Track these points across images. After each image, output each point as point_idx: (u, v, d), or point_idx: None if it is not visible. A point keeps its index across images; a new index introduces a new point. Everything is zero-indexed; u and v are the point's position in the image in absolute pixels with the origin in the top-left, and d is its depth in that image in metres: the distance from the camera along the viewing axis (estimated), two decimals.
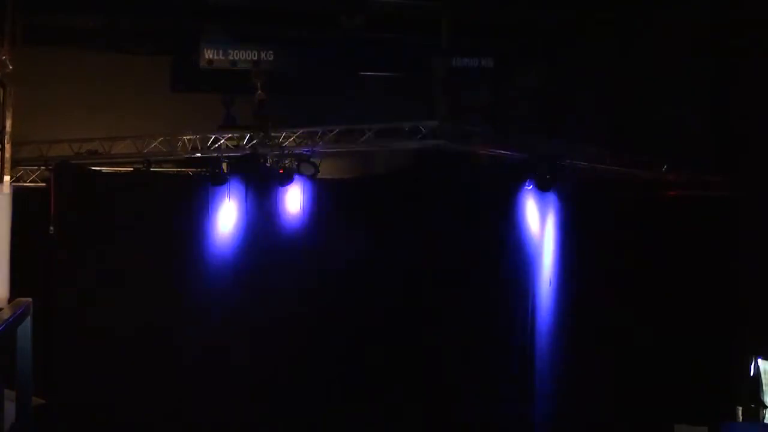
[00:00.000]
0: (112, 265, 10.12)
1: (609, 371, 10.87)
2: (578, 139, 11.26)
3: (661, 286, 10.91)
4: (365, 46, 11.28)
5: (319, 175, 10.80)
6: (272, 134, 10.78)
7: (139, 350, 10.02)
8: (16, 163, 10.01)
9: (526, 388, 11.07)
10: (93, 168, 10.48)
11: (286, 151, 10.71)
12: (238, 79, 10.96)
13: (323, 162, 10.87)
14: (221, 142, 10.87)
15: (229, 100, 11.38)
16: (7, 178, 9.40)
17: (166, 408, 10.06)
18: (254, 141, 10.74)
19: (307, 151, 10.77)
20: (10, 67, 9.07)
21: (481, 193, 11.17)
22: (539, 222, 11.19)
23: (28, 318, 4.07)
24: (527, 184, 11.05)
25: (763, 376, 10.58)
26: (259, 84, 10.82)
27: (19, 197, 9.75)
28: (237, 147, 10.85)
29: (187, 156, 10.84)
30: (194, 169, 10.85)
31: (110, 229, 10.18)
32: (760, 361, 10.61)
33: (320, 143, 10.86)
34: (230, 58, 10.72)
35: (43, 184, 10.18)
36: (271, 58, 10.78)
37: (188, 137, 10.76)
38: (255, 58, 10.75)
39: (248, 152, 10.72)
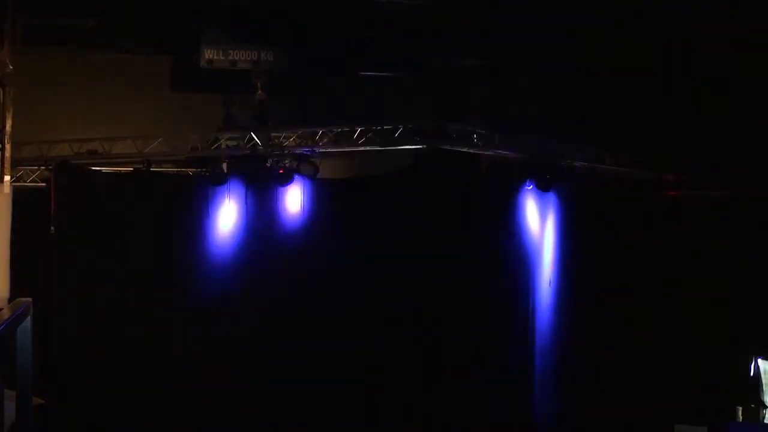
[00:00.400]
0: (112, 265, 10.12)
1: (609, 371, 10.87)
2: (578, 139, 11.26)
3: (661, 286, 10.91)
4: (365, 46, 11.27)
5: (319, 175, 10.80)
6: (272, 134, 10.79)
7: (138, 350, 10.02)
8: (16, 163, 10.00)
9: (526, 388, 11.07)
10: (93, 168, 10.47)
11: (286, 151, 10.71)
12: (238, 79, 10.95)
13: (323, 162, 10.87)
14: (221, 142, 10.87)
15: (229, 100, 11.37)
16: (7, 178, 9.39)
17: (166, 408, 10.06)
18: (254, 141, 10.74)
19: (307, 151, 10.77)
20: (11, 67, 9.06)
21: (481, 194, 11.18)
22: (539, 222, 11.19)
23: (28, 318, 4.06)
24: (527, 184, 11.06)
25: (763, 376, 10.60)
26: (259, 84, 10.80)
27: (19, 197, 9.74)
28: (237, 147, 10.85)
29: (187, 156, 10.84)
30: (194, 169, 10.85)
31: (110, 229, 10.18)
32: (760, 361, 10.63)
33: (320, 143, 10.87)
34: (230, 58, 10.71)
35: (43, 184, 10.17)
36: (271, 58, 10.77)
37: (188, 137, 10.76)
38: (255, 58, 10.74)
39: (248, 152, 10.72)
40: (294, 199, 10.81)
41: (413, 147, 11.00)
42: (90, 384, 9.86)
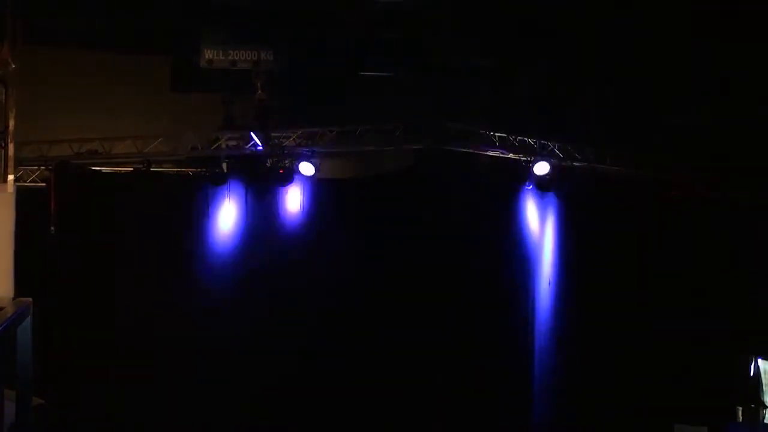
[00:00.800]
0: (112, 265, 10.12)
1: (609, 371, 10.86)
2: (578, 139, 11.25)
3: (661, 286, 10.91)
4: (365, 46, 11.27)
5: (319, 175, 10.80)
6: (272, 134, 10.79)
7: (138, 350, 10.01)
8: (16, 163, 9.95)
9: (526, 389, 11.07)
10: (93, 168, 10.48)
11: (286, 151, 10.71)
12: (238, 79, 10.95)
13: (323, 162, 10.87)
14: (221, 142, 10.87)
15: (229, 100, 11.37)
16: (11, 177, 9.37)
17: (167, 408, 10.06)
18: (254, 141, 10.74)
19: (307, 151, 10.77)
20: (13, 66, 9.04)
21: (481, 194, 11.18)
22: (539, 222, 11.19)
23: (28, 318, 4.06)
24: (527, 184, 11.06)
25: (763, 376, 10.59)
26: (259, 84, 10.80)
27: (19, 197, 9.71)
28: (237, 147, 10.85)
29: (187, 156, 10.85)
30: (194, 169, 10.85)
31: (110, 229, 10.18)
32: (760, 361, 10.61)
33: (320, 143, 10.87)
34: (230, 58, 10.71)
35: (43, 184, 10.17)
36: (271, 58, 10.77)
37: (188, 137, 10.76)
38: (255, 58, 10.74)
39: (248, 152, 10.72)
40: (294, 199, 10.81)
41: (413, 147, 11.00)
42: (90, 384, 9.86)
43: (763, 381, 10.57)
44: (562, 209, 11.16)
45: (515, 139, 11.19)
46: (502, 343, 10.98)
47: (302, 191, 10.81)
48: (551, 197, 11.10)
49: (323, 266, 10.75)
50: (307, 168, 10.69)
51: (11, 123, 9.12)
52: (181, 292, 10.33)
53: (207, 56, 10.69)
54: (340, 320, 10.70)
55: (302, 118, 11.11)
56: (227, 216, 10.61)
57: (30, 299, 4.18)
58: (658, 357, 10.83)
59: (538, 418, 11.09)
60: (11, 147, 9.13)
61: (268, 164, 10.74)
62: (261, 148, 10.68)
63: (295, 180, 10.69)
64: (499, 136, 11.17)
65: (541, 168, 10.86)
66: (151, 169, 10.52)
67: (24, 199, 9.84)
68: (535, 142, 11.10)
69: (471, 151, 11.20)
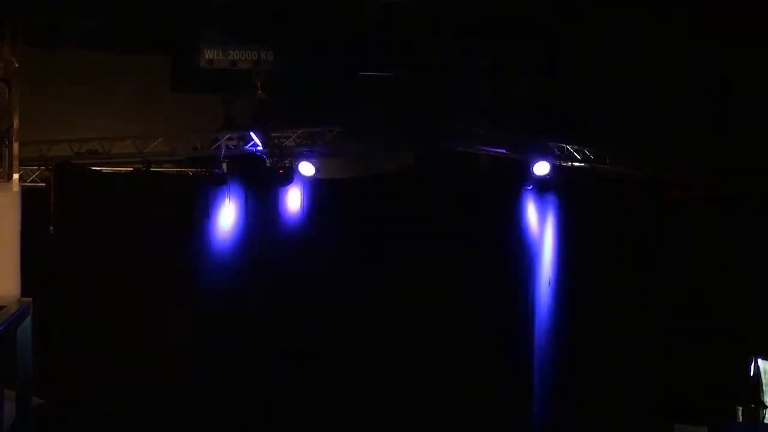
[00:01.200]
0: (113, 265, 10.11)
1: (609, 371, 10.87)
2: (578, 139, 11.25)
3: (661, 286, 10.91)
4: (365, 46, 11.27)
5: (319, 175, 10.80)
6: (272, 134, 10.79)
7: (139, 350, 10.01)
8: None
9: (526, 389, 11.07)
10: (93, 168, 10.47)
11: (286, 151, 10.71)
12: (238, 79, 10.94)
13: (323, 162, 10.87)
14: (221, 142, 10.87)
15: (229, 100, 11.37)
16: (15, 176, 9.37)
17: (167, 407, 10.05)
18: (254, 141, 10.74)
19: (307, 151, 10.77)
20: (16, 65, 9.04)
21: (481, 194, 11.18)
22: (539, 222, 11.19)
23: (28, 318, 4.07)
24: (527, 184, 11.06)
25: (763, 376, 10.59)
26: (259, 84, 10.80)
27: None
28: (237, 147, 10.85)
29: (187, 156, 10.84)
30: (194, 169, 10.85)
31: (110, 229, 10.18)
32: (760, 361, 10.62)
33: (320, 143, 10.87)
34: (230, 58, 10.70)
35: (43, 184, 10.16)
36: (271, 58, 10.77)
37: (188, 137, 10.75)
38: (255, 58, 10.74)
39: (248, 152, 10.73)
40: (294, 199, 10.81)
41: (413, 147, 11.00)
42: (90, 384, 9.85)
43: (763, 381, 10.58)
44: (562, 209, 11.16)
45: (515, 139, 11.19)
46: (502, 343, 10.98)
47: (302, 191, 10.81)
48: (551, 197, 11.10)
49: (323, 266, 10.75)
50: (307, 168, 10.70)
51: (15, 122, 9.12)
52: (181, 292, 10.33)
53: (207, 56, 10.69)
54: (340, 320, 10.70)
55: (302, 118, 11.11)
56: (227, 216, 10.61)
57: (30, 299, 4.18)
58: (658, 357, 10.83)
59: (538, 418, 11.08)
60: (15, 146, 9.13)
61: (268, 164, 10.73)
62: (261, 148, 10.68)
63: (295, 180, 10.69)
64: (499, 136, 11.17)
65: (541, 168, 10.86)
66: (151, 169, 10.51)
67: (24, 199, 9.87)
68: (535, 142, 11.10)
69: (471, 151, 11.19)
